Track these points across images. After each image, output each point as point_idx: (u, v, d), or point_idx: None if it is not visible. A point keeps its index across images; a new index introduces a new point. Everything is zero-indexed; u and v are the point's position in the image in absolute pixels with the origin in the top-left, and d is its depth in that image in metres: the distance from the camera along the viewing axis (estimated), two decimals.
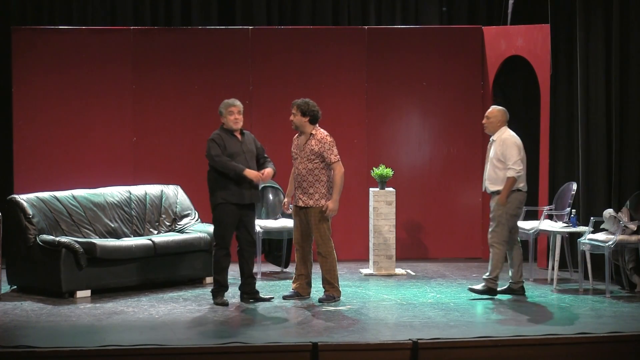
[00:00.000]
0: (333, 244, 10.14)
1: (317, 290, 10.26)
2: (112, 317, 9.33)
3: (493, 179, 10.21)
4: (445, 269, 11.90)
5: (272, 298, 10.08)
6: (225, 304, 9.82)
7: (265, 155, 10.15)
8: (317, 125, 10.06)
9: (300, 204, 10.04)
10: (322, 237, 10.05)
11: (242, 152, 9.94)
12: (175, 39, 12.56)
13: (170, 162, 12.48)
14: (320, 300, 10.00)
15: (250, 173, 9.86)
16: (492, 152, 10.26)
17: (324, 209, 9.97)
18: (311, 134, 10.01)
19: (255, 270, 11.44)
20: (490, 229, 10.21)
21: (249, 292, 10.04)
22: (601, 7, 11.15)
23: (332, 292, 10.07)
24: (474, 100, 12.36)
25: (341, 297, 10.15)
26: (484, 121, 10.36)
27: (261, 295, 10.08)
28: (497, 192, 10.15)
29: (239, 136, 9.98)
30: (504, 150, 10.12)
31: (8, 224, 10.40)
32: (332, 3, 13.20)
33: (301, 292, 10.17)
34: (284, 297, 10.15)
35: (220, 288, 9.95)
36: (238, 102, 10.03)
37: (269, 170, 10.02)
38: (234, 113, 9.96)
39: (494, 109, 10.35)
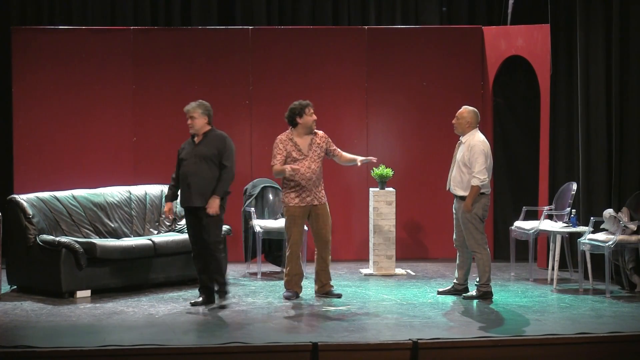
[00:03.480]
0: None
1: (308, 288, 10.27)
2: (112, 317, 9.33)
3: (458, 182, 10.13)
4: (445, 269, 11.90)
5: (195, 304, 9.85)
6: (198, 304, 9.75)
7: (225, 164, 9.86)
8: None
9: (316, 202, 10.12)
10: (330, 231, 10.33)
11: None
12: (175, 39, 12.56)
13: (170, 162, 12.44)
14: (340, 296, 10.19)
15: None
16: (459, 154, 10.16)
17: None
18: (315, 132, 10.17)
19: (255, 270, 11.47)
20: (465, 238, 10.18)
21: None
22: (601, 7, 11.15)
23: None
24: (474, 100, 12.34)
25: (341, 298, 10.18)
26: (453, 121, 10.23)
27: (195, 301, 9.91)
28: (462, 197, 10.12)
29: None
30: (471, 157, 10.01)
31: (8, 224, 10.40)
32: (332, 3, 13.21)
33: (298, 290, 10.29)
34: (284, 297, 10.16)
35: (200, 288, 9.93)
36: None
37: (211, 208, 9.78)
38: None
39: (464, 110, 10.21)
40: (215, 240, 9.71)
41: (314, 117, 10.15)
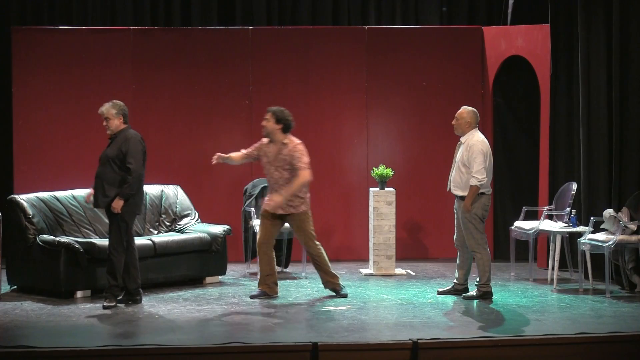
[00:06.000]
0: (318, 242, 10.19)
1: (308, 288, 10.26)
2: (112, 317, 9.33)
3: (458, 183, 10.13)
4: (445, 269, 11.90)
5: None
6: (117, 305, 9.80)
7: (128, 165, 9.77)
8: (289, 134, 10.04)
9: (281, 211, 10.00)
10: (307, 240, 10.09)
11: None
12: (175, 39, 12.56)
13: (170, 162, 12.48)
14: (338, 295, 10.17)
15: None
16: (459, 155, 10.16)
17: (270, 202, 9.96)
18: (283, 143, 9.99)
19: (255, 270, 11.45)
20: (465, 238, 10.17)
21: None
22: (601, 7, 11.15)
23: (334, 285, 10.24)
24: (474, 100, 12.35)
25: (340, 297, 10.20)
26: (453, 122, 10.23)
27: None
28: (462, 197, 10.11)
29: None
30: (469, 156, 10.00)
31: (8, 224, 10.40)
32: (332, 3, 13.20)
33: (269, 292, 10.20)
34: (251, 297, 10.17)
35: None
36: None
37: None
38: None
39: (463, 110, 10.20)
40: (112, 242, 9.77)
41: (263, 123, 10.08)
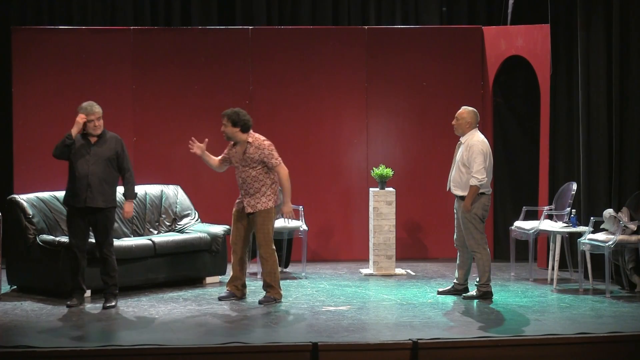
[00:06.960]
0: (274, 246, 10.05)
1: (306, 288, 10.26)
2: (112, 317, 9.33)
3: (458, 183, 10.13)
4: (445, 269, 11.90)
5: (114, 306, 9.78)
6: (75, 305, 9.71)
7: (127, 167, 9.90)
8: (251, 131, 9.97)
9: (249, 210, 9.93)
10: (266, 239, 9.96)
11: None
12: (175, 39, 12.56)
13: (170, 162, 12.48)
14: (260, 302, 9.93)
15: None
16: (459, 155, 10.17)
17: (281, 214, 9.93)
18: (248, 142, 9.91)
19: (255, 270, 11.44)
20: (465, 238, 10.17)
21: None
22: (601, 7, 11.15)
23: (272, 294, 10.01)
24: (474, 100, 12.34)
25: (339, 297, 10.16)
26: (453, 122, 10.23)
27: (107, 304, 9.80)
28: (462, 197, 10.11)
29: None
30: (469, 156, 10.00)
31: (8, 224, 10.40)
32: (332, 3, 13.20)
33: (236, 293, 10.15)
34: (220, 298, 10.11)
35: (73, 290, 9.86)
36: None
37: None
38: None
39: (464, 110, 10.20)
40: (110, 242, 9.82)
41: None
